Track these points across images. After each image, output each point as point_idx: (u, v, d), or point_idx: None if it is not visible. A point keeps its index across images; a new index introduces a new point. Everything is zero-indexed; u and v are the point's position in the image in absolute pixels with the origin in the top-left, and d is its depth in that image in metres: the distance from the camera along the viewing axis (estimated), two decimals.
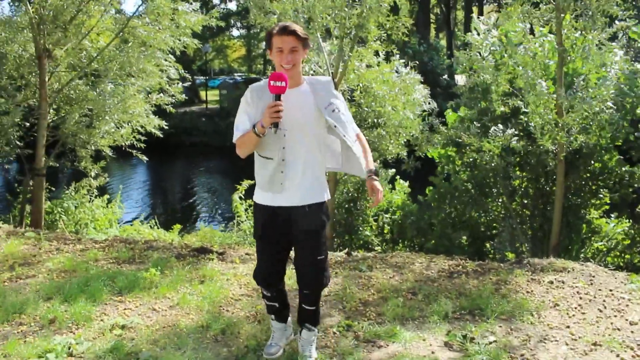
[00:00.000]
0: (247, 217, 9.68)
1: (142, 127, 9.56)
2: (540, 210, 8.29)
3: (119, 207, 11.23)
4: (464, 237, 8.99)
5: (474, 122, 8.07)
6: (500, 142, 7.52)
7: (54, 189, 11.03)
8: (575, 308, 4.04)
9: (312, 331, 3.26)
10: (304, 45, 2.87)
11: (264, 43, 34.15)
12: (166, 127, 9.89)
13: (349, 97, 8.69)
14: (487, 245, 9.04)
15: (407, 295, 4.30)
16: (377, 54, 8.22)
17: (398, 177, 10.40)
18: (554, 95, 6.71)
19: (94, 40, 9.40)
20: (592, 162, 7.87)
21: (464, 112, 8.88)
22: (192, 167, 26.78)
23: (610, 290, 4.37)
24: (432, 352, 3.40)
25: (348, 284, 4.51)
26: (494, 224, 8.88)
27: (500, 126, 7.68)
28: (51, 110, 9.12)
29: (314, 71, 8.17)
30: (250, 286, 4.42)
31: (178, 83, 9.82)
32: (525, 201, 8.48)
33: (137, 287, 4.38)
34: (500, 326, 3.74)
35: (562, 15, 6.58)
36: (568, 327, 3.74)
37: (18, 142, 9.12)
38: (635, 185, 7.87)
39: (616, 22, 6.84)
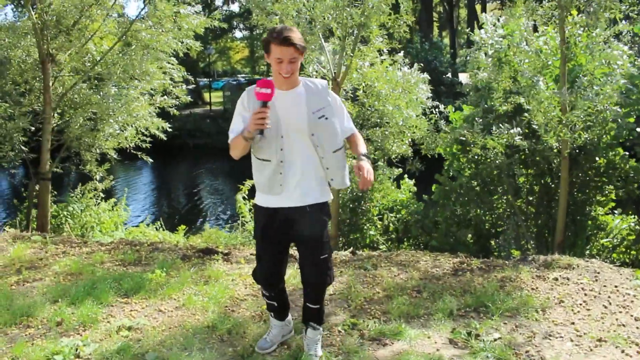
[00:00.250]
0: (251, 217, 9.69)
1: (146, 129, 9.59)
2: (545, 207, 8.28)
3: (124, 210, 11.27)
4: (469, 235, 8.99)
5: (478, 120, 8.06)
6: (505, 140, 7.51)
7: (59, 193, 11.08)
8: (580, 304, 4.05)
9: (317, 330, 3.27)
10: (302, 52, 2.88)
11: None
12: (170, 130, 9.92)
13: (351, 97, 8.70)
14: (492, 242, 9.03)
15: (412, 293, 4.31)
16: (380, 52, 8.21)
17: (406, 175, 10.37)
18: (554, 92, 6.70)
19: (97, 44, 9.43)
20: (597, 158, 7.86)
21: (468, 110, 8.87)
22: (196, 169, 26.85)
23: (616, 287, 4.37)
24: (437, 350, 3.41)
25: (353, 282, 4.52)
26: (499, 222, 8.87)
27: (505, 124, 7.67)
28: (55, 115, 9.15)
29: (317, 71, 8.19)
30: (255, 286, 4.44)
31: (182, 85, 9.84)
32: (530, 198, 8.47)
33: (143, 288, 4.40)
34: (505, 323, 3.75)
35: (565, 12, 6.57)
36: (573, 323, 3.74)
37: (23, 147, 9.16)
38: None
39: (622, 22, 6.82)
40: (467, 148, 8.58)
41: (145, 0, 8.86)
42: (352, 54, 7.59)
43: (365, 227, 9.91)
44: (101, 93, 9.18)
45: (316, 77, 8.07)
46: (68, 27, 8.67)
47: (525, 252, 7.92)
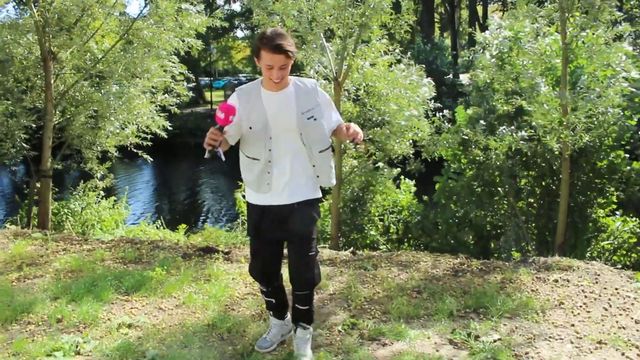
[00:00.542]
0: None
1: (147, 127, 9.60)
2: (545, 209, 8.28)
3: (125, 208, 11.28)
4: (470, 236, 8.98)
5: (480, 121, 8.07)
6: (507, 142, 7.50)
7: (60, 190, 11.09)
8: (581, 306, 4.04)
9: (306, 329, 3.28)
10: (293, 57, 2.86)
11: None
12: (171, 128, 9.93)
13: (354, 97, 8.70)
14: (493, 244, 9.03)
15: (412, 293, 4.31)
16: (387, 52, 8.21)
17: (402, 177, 10.38)
18: (555, 93, 6.70)
19: (99, 42, 9.45)
20: (598, 160, 7.85)
21: (472, 110, 8.86)
22: (197, 168, 26.84)
23: (616, 289, 4.36)
24: (437, 350, 3.41)
25: (353, 282, 4.52)
26: (500, 223, 8.87)
27: (506, 126, 7.67)
28: (57, 112, 9.17)
29: (318, 72, 8.19)
30: (255, 285, 4.43)
31: (183, 83, 9.85)
32: (531, 200, 8.47)
33: (144, 286, 4.41)
34: (505, 324, 3.74)
35: (567, 14, 6.57)
36: (573, 325, 3.73)
37: (24, 144, 9.17)
38: None
39: (621, 24, 6.82)
40: (469, 149, 8.59)
41: None
42: (353, 54, 7.60)
43: (366, 228, 9.90)
44: (102, 91, 9.20)
45: (317, 78, 8.10)
46: (70, 25, 8.69)
47: (526, 253, 7.91)
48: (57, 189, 10.62)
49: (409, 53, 8.74)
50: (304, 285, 3.13)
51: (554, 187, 8.12)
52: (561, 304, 4.07)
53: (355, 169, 9.35)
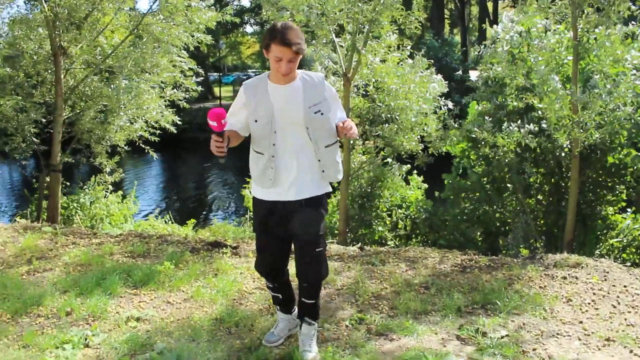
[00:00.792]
0: None
1: (156, 122, 9.64)
2: (554, 206, 8.24)
3: (134, 203, 11.34)
4: (478, 233, 8.96)
5: (487, 118, 8.03)
6: (516, 138, 7.46)
7: (69, 184, 11.16)
8: (589, 303, 4.03)
9: (312, 325, 3.27)
10: (302, 52, 2.86)
11: None
12: (180, 123, 9.97)
13: (363, 92, 8.69)
14: (501, 241, 9.00)
15: (420, 289, 4.31)
16: (398, 47, 8.20)
17: (415, 171, 10.34)
18: (567, 92, 6.66)
19: (109, 37, 9.49)
20: (608, 158, 7.80)
21: (481, 106, 8.82)
22: (206, 163, 26.92)
23: (625, 286, 4.34)
24: (444, 346, 3.40)
25: (361, 277, 4.52)
26: (508, 220, 8.83)
27: (516, 123, 7.62)
28: (66, 107, 9.22)
29: (327, 67, 8.18)
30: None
31: (192, 78, 9.88)
32: (540, 197, 8.43)
33: (152, 280, 4.43)
34: (513, 321, 3.73)
35: (578, 10, 6.52)
36: (581, 322, 3.72)
37: (34, 139, 9.24)
38: None
39: (631, 23, 6.76)
40: (478, 145, 8.55)
41: None
42: (364, 49, 7.58)
43: (374, 223, 9.89)
44: (112, 86, 9.24)
45: (326, 73, 8.09)
46: (80, 20, 8.74)
47: (534, 250, 7.88)
48: (66, 184, 10.69)
49: (422, 50, 8.70)
50: (311, 279, 3.11)
51: (563, 184, 8.07)
52: (569, 301, 4.06)
53: (363, 165, 9.35)
